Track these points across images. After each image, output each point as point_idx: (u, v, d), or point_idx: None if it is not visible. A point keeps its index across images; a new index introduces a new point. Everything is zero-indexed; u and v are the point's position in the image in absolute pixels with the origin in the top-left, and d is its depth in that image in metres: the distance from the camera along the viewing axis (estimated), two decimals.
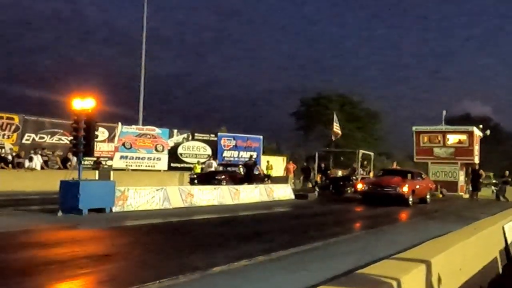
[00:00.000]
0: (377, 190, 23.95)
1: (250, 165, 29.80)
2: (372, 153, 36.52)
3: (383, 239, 12.72)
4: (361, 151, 33.89)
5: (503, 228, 8.24)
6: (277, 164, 40.29)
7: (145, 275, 7.49)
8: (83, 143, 15.67)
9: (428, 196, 26.17)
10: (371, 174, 33.59)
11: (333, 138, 37.78)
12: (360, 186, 25.56)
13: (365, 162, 34.55)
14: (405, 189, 23.41)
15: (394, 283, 3.60)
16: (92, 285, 7.22)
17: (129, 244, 11.01)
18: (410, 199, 23.66)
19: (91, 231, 12.76)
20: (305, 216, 18.62)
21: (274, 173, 36.52)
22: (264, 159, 39.21)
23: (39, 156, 26.70)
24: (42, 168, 26.49)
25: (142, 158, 33.92)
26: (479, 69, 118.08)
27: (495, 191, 34.39)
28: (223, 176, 27.09)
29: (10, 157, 26.15)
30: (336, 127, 36.90)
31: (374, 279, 3.58)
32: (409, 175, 25.23)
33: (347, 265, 8.26)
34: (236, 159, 37.51)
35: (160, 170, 34.13)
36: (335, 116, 37.02)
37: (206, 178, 26.77)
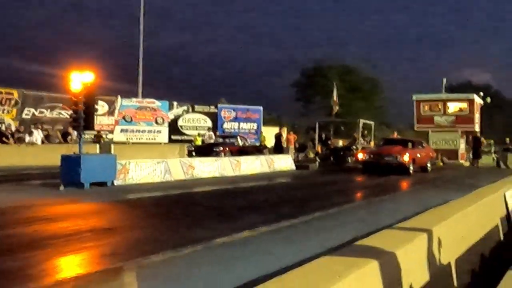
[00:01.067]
0: (378, 160, 23.90)
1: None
2: (372, 123, 36.43)
3: (384, 209, 12.78)
4: (362, 121, 33.83)
5: (504, 195, 8.26)
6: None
7: (148, 248, 7.53)
8: (83, 117, 15.64)
9: (428, 165, 26.24)
10: (372, 144, 33.57)
11: (334, 110, 37.76)
12: (360, 156, 25.55)
13: (366, 132, 34.51)
14: (406, 158, 23.44)
15: (396, 253, 3.61)
16: (96, 259, 7.25)
17: (131, 217, 11.07)
18: (411, 168, 23.69)
19: (93, 204, 12.78)
20: (305, 187, 18.68)
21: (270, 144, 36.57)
22: (264, 130, 39.18)
23: (39, 131, 26.67)
24: (42, 142, 26.48)
25: (142, 131, 33.92)
26: (478, 36, 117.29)
27: (495, 158, 34.43)
28: (221, 148, 27.12)
29: (10, 132, 26.13)
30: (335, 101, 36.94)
31: (375, 248, 3.60)
32: (409, 144, 25.32)
33: (348, 235, 8.30)
34: (236, 130, 37.48)
35: (160, 143, 34.11)
36: (335, 88, 36.94)
37: (204, 150, 26.79)
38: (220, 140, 30.18)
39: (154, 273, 6.37)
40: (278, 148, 29.75)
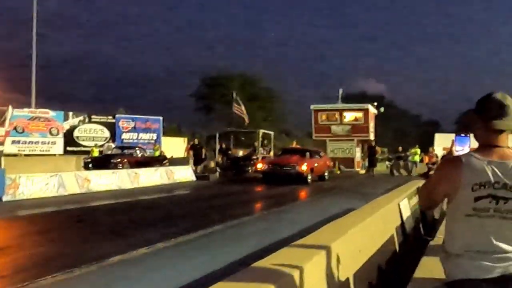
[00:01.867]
0: (277, 169, 24.22)
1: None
2: (272, 132, 36.88)
3: (284, 219, 12.81)
4: (261, 131, 34.14)
5: (399, 205, 8.41)
6: (178, 145, 39.80)
7: (38, 270, 7.08)
8: None
9: (326, 174, 26.91)
10: (272, 153, 33.95)
11: (246, 120, 37.92)
12: (260, 166, 25.86)
13: (266, 141, 34.84)
14: (304, 167, 23.90)
15: (296, 273, 3.48)
16: None
17: (20, 235, 10.46)
18: (309, 177, 24.13)
19: None
20: (206, 198, 18.46)
21: (176, 154, 36.08)
22: (164, 140, 38.66)
23: None
24: None
25: (35, 143, 32.44)
26: (374, 49, 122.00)
27: (389, 166, 35.73)
28: (119, 159, 26.44)
29: None
30: (239, 110, 36.98)
31: (274, 269, 3.45)
32: (307, 154, 25.73)
33: (249, 248, 8.20)
34: (135, 141, 36.70)
35: (55, 155, 32.75)
36: (234, 97, 37.03)
37: (101, 162, 26.00)
38: (118, 151, 29.31)
39: None
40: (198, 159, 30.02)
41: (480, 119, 2.95)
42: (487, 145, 2.92)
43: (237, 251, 8.00)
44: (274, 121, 56.35)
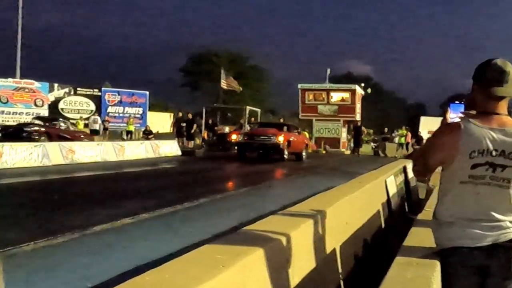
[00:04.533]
0: (252, 140, 23.27)
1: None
2: (259, 110, 36.79)
3: (269, 195, 12.79)
4: (248, 108, 34.03)
5: (385, 182, 8.42)
6: (164, 121, 39.67)
7: (19, 237, 6.96)
8: None
9: (304, 153, 25.55)
10: None
11: (238, 88, 37.70)
12: (234, 137, 25.02)
13: (253, 119, 34.76)
14: (281, 138, 22.85)
15: (283, 239, 3.45)
16: None
17: (1, 204, 10.29)
18: (286, 152, 23.19)
19: None
20: (191, 172, 18.39)
21: (161, 129, 35.96)
22: (150, 115, 38.49)
23: None
24: None
25: (20, 113, 32.12)
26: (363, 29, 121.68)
27: (374, 147, 35.87)
28: (34, 130, 23.12)
29: None
30: (228, 83, 36.74)
31: (261, 235, 3.42)
32: (284, 128, 24.87)
33: (233, 221, 8.15)
34: (121, 114, 36.50)
35: None
36: (223, 73, 36.79)
37: (14, 132, 22.43)
38: (38, 122, 25.33)
39: (23, 263, 5.86)
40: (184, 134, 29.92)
41: (478, 85, 2.90)
42: (486, 112, 2.86)
43: (222, 223, 7.95)
44: (260, 100, 56.28)
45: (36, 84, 33.17)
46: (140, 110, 37.89)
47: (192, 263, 2.76)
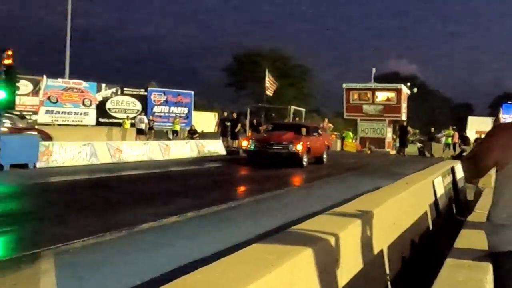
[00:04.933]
0: (265, 149, 19.89)
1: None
2: (303, 109, 36.69)
3: (314, 195, 12.75)
4: (293, 107, 33.96)
5: (433, 182, 8.28)
6: (209, 120, 39.94)
7: (69, 233, 7.13)
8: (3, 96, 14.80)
9: (324, 156, 22.62)
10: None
11: (269, 94, 37.56)
12: (245, 144, 21.31)
13: (297, 119, 34.67)
14: (299, 147, 19.72)
15: (332, 239, 3.43)
16: (12, 244, 6.83)
17: (52, 201, 10.55)
18: (305, 159, 20.18)
19: (12, 187, 12.20)
20: (235, 172, 18.47)
21: (206, 129, 36.20)
22: (195, 114, 38.81)
23: None
24: None
25: (69, 113, 32.76)
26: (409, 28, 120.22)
27: (420, 147, 35.35)
28: None
29: None
30: (270, 83, 36.72)
31: (310, 235, 3.41)
32: (303, 130, 21.39)
33: (280, 220, 8.17)
34: (166, 114, 36.90)
35: (87, 125, 33.10)
36: (268, 73, 36.81)
37: None
38: None
39: (74, 260, 6.00)
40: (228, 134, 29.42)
41: None
42: None
43: (268, 223, 7.98)
44: (304, 99, 56.10)
45: (84, 84, 33.76)
46: (186, 109, 38.17)
47: (241, 262, 2.77)
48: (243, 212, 9.83)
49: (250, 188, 13.28)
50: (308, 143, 20.46)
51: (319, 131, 23.09)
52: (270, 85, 35.53)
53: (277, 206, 10.61)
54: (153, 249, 6.60)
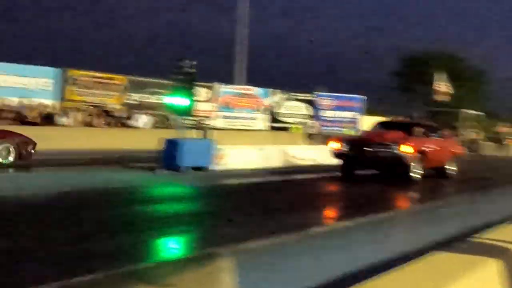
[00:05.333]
0: (361, 152, 15.22)
1: None
2: (480, 113, 34.62)
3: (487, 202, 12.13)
4: (464, 111, 32.23)
5: None
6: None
7: (241, 235, 7.31)
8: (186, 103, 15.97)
9: (449, 167, 17.08)
10: (476, 136, 31.75)
11: (443, 99, 36.15)
12: (336, 146, 16.18)
13: (476, 123, 32.71)
14: (406, 148, 14.77)
15: None
16: (196, 243, 7.20)
17: (228, 202, 10.88)
18: (418, 168, 15.15)
19: (190, 189, 12.88)
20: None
21: None
22: (365, 119, 38.47)
23: (143, 116, 27.51)
24: (145, 126, 27.31)
25: (242, 118, 34.05)
26: None
27: None
28: None
29: (114, 116, 27.14)
30: (442, 86, 35.34)
31: (493, 245, 3.26)
32: (416, 130, 16.35)
33: (454, 228, 7.88)
34: (335, 118, 36.97)
35: (259, 130, 34.13)
36: (437, 76, 35.46)
37: None
38: None
39: (245, 261, 6.16)
40: None
41: None
42: None
43: (443, 230, 7.74)
44: (480, 103, 53.09)
45: (255, 90, 34.89)
46: (355, 114, 37.93)
47: (420, 271, 2.73)
48: (417, 219, 9.60)
49: (423, 195, 12.80)
50: (421, 145, 15.50)
51: (444, 133, 18.48)
52: (444, 89, 34.20)
53: (454, 212, 10.20)
54: (325, 253, 6.63)
